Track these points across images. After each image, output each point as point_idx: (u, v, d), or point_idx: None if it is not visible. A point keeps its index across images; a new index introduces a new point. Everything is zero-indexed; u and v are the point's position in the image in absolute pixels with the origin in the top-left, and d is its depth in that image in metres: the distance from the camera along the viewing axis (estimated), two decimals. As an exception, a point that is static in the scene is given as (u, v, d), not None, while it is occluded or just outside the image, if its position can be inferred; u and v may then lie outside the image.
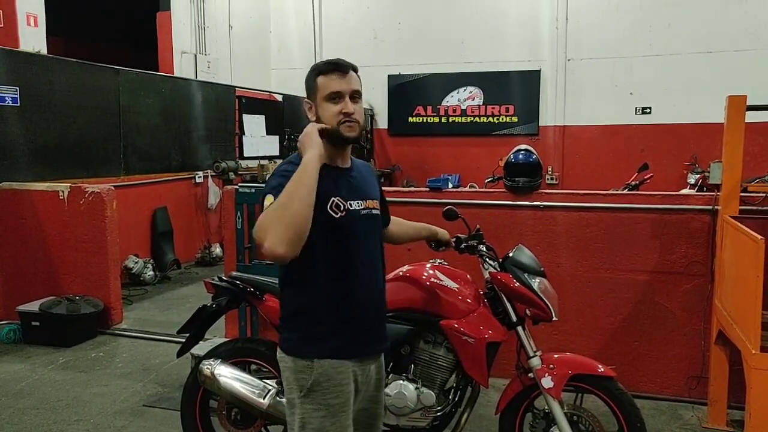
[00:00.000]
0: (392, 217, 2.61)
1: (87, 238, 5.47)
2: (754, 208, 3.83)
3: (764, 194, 3.87)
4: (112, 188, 5.59)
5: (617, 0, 9.96)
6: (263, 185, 4.59)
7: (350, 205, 2.06)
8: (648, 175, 6.10)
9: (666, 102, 9.81)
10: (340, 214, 2.02)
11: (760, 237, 2.76)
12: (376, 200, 2.20)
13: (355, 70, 2.09)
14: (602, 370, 2.84)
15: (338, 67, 2.04)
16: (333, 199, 2.01)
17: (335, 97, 2.03)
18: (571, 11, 10.13)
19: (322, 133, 2.00)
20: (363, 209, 2.10)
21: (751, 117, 3.52)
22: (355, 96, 2.05)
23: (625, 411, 2.82)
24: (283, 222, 1.79)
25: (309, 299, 2.04)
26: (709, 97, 9.13)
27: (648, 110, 9.95)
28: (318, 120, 2.05)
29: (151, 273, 7.12)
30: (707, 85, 9.36)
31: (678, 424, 3.79)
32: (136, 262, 6.99)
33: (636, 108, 9.99)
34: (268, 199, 1.89)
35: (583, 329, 4.19)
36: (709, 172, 8.04)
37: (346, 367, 2.05)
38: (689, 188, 8.57)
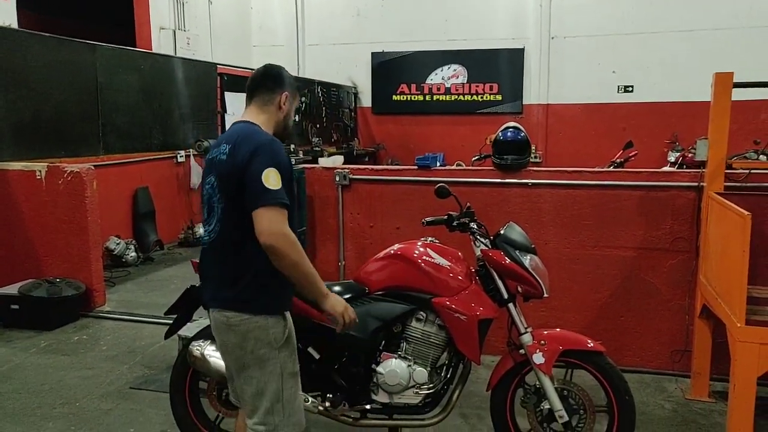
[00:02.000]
0: None
1: (67, 219, 5.36)
2: (738, 184, 3.86)
3: (748, 171, 3.91)
4: (92, 168, 5.48)
5: (600, -23, 9.94)
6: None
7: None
8: (633, 153, 6.14)
9: (648, 80, 9.86)
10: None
11: (747, 213, 2.78)
12: None
13: None
14: (592, 345, 2.86)
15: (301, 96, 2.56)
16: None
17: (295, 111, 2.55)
18: (555, -12, 10.09)
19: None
20: None
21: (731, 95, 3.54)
22: None
23: (613, 385, 2.86)
24: (301, 271, 2.20)
25: (268, 261, 2.20)
26: (690, 76, 9.25)
27: (630, 89, 10.00)
28: (287, 116, 2.44)
29: (134, 254, 7.02)
30: (688, 64, 9.43)
31: (662, 396, 3.85)
32: (118, 243, 6.88)
33: (618, 86, 10.04)
34: (275, 173, 2.14)
35: (571, 305, 4.23)
36: (692, 150, 8.13)
37: (289, 316, 2.39)
38: (669, 166, 8.64)
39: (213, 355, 2.90)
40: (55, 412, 3.67)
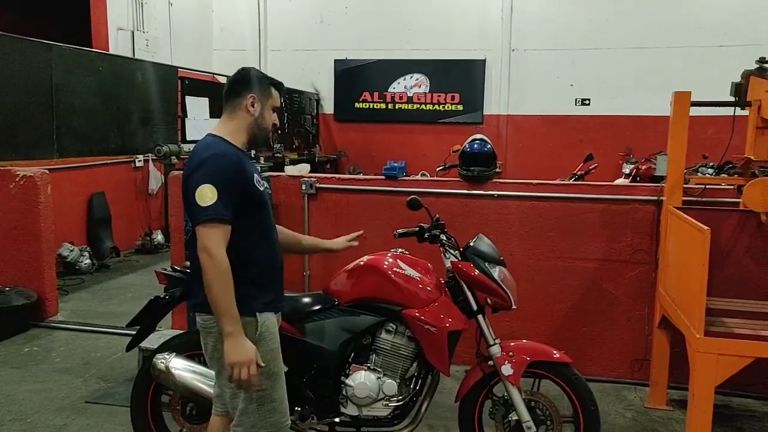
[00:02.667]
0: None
1: (18, 225, 5.16)
2: (695, 198, 4.00)
3: (704, 186, 4.05)
4: (47, 172, 5.29)
5: (558, -7, 10.18)
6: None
7: (263, 183, 2.44)
8: (593, 166, 6.29)
9: (604, 94, 10.13)
10: (261, 188, 2.39)
11: (706, 228, 2.87)
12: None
13: None
14: (558, 356, 2.91)
15: (281, 89, 2.53)
16: (254, 176, 2.37)
17: (275, 110, 2.48)
18: (516, 2, 10.27)
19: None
20: (265, 187, 2.49)
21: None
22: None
23: (579, 395, 2.91)
24: (211, 293, 2.19)
25: (245, 262, 2.28)
26: (643, 91, 9.56)
27: (587, 102, 10.25)
28: (260, 118, 2.41)
29: (88, 261, 6.80)
30: (641, 79, 9.73)
31: (622, 405, 3.94)
32: (72, 250, 6.66)
33: (576, 99, 10.27)
34: (210, 189, 2.17)
35: (536, 315, 4.29)
36: (646, 162, 8.39)
37: (275, 319, 2.43)
38: (624, 178, 8.89)
39: (177, 368, 2.84)
40: (5, 429, 3.50)
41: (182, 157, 7.52)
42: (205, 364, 2.99)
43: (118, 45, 8.51)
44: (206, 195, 2.16)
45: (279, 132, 9.25)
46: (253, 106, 2.38)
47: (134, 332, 3.03)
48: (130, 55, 8.35)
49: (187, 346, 3.02)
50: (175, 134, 7.71)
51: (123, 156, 7.60)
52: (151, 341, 3.41)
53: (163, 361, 2.82)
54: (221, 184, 2.18)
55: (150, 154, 7.80)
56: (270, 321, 2.38)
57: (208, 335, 2.36)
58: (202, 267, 2.17)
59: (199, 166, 2.22)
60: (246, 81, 2.40)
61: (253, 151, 8.24)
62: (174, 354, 2.89)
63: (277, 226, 2.61)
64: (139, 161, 7.88)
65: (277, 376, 2.40)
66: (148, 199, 8.15)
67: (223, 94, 2.43)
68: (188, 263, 3.15)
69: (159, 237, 7.91)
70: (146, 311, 2.97)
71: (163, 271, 3.05)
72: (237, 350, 2.17)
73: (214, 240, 2.16)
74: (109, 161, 7.41)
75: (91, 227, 7.20)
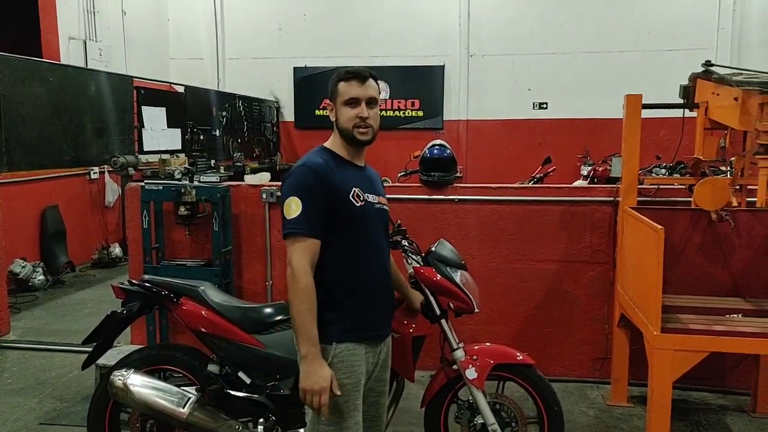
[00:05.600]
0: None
1: (-34, 241, 4.97)
2: (649, 198, 4.10)
3: (657, 186, 4.15)
4: (-4, 186, 5.11)
5: (514, -1, 10.36)
6: (171, 181, 4.39)
7: (367, 197, 2.28)
8: (551, 168, 6.40)
9: (561, 98, 10.33)
10: (360, 203, 2.24)
11: (660, 227, 2.95)
12: (385, 198, 2.44)
13: (375, 78, 2.32)
14: (521, 358, 2.94)
15: (357, 75, 2.27)
16: (354, 189, 2.24)
17: (353, 102, 2.26)
18: (473, 8, 10.41)
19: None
20: (376, 203, 2.34)
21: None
22: (371, 102, 2.28)
23: (543, 396, 2.94)
24: (293, 311, 2.13)
25: (326, 284, 2.17)
26: (599, 94, 9.79)
27: (545, 105, 10.45)
28: (337, 120, 2.29)
29: (42, 277, 6.60)
30: (596, 83, 9.97)
31: (585, 404, 4.01)
32: (24, 267, 6.45)
33: (534, 103, 10.46)
34: (295, 201, 2.12)
35: (498, 318, 4.33)
36: (603, 164, 8.58)
37: (360, 350, 2.23)
38: (582, 179, 9.08)
39: (136, 384, 2.76)
40: (-45, 454, 3.37)
41: (140, 168, 7.38)
42: (165, 380, 2.93)
43: (69, 55, 8.30)
44: (291, 207, 2.13)
45: (244, 139, 9.14)
46: (331, 110, 2.34)
47: (90, 349, 2.94)
48: (82, 65, 8.15)
49: (147, 361, 2.94)
50: (132, 145, 7.55)
51: (77, 168, 7.41)
52: (109, 357, 3.32)
53: (120, 377, 2.74)
54: (306, 196, 2.13)
55: (106, 166, 7.62)
56: (349, 352, 2.20)
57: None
58: (287, 282, 2.12)
59: (289, 176, 2.21)
60: (329, 91, 2.35)
61: (213, 161, 8.14)
62: (132, 370, 2.81)
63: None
64: (94, 173, 7.69)
65: (343, 414, 2.19)
66: (104, 211, 7.95)
67: None
68: (146, 277, 3.09)
69: (117, 250, 7.72)
70: (103, 327, 2.89)
71: (120, 286, 2.97)
72: (310, 375, 2.08)
73: (297, 255, 2.10)
74: (62, 174, 7.21)
75: (45, 242, 6.98)
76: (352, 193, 2.22)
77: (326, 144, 2.36)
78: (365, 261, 2.27)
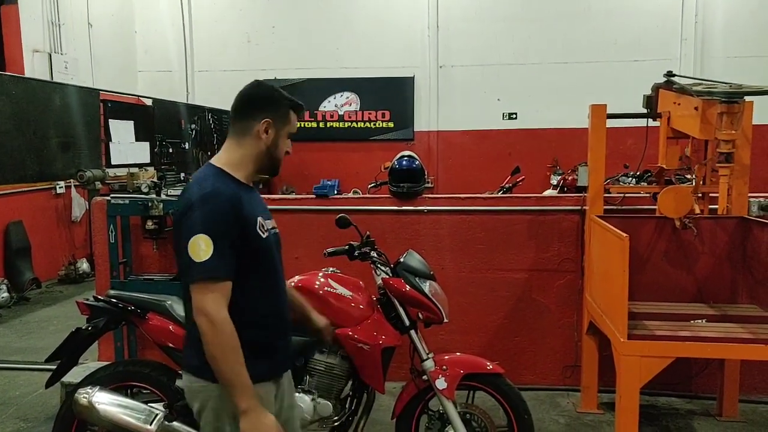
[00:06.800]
0: None
1: (-75, 259, 4.82)
2: (615, 207, 4.17)
3: (623, 195, 4.23)
4: (-44, 202, 4.98)
5: (482, 10, 10.50)
6: (137, 195, 4.33)
7: (267, 224, 2.07)
8: (520, 178, 6.47)
9: (530, 108, 10.49)
10: (265, 233, 2.03)
11: (625, 235, 3.00)
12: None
13: None
14: (491, 367, 2.96)
15: (303, 110, 2.19)
16: (258, 219, 2.01)
17: (290, 136, 2.13)
18: (442, 19, 10.53)
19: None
20: (272, 228, 2.13)
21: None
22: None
23: (513, 405, 2.96)
24: (216, 367, 1.88)
25: (241, 323, 1.91)
26: (567, 104, 9.94)
27: (514, 116, 10.59)
28: (272, 146, 2.06)
29: (6, 294, 6.43)
30: (564, 93, 10.14)
31: (556, 412, 4.04)
32: (-14, 284, 6.28)
33: (503, 113, 10.60)
34: (205, 240, 1.85)
35: (469, 328, 4.35)
36: (572, 173, 8.70)
37: (270, 387, 2.07)
38: (552, 189, 9.21)
39: (102, 402, 2.70)
40: None
41: (107, 182, 7.27)
42: (133, 396, 2.87)
43: (34, 68, 8.17)
44: (200, 248, 1.84)
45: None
46: (266, 132, 2.02)
47: (55, 366, 2.87)
48: (47, 78, 8.02)
49: (114, 378, 2.88)
50: (99, 159, 7.45)
51: (42, 183, 7.27)
52: (75, 375, 3.24)
53: (85, 395, 2.67)
54: (217, 233, 1.86)
55: (72, 180, 7.49)
56: (264, 392, 2.01)
57: (194, 399, 2.04)
58: (202, 334, 1.85)
59: (191, 207, 1.89)
60: (260, 101, 2.04)
61: (182, 174, 8.05)
62: (98, 387, 2.75)
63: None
64: (60, 188, 7.55)
65: None
66: (71, 226, 7.80)
67: (231, 115, 2.08)
68: (112, 292, 3.04)
69: (84, 266, 7.58)
70: (67, 344, 2.83)
71: (85, 302, 2.92)
72: (258, 429, 1.86)
73: (213, 302, 1.85)
74: (26, 189, 7.07)
75: (8, 258, 6.82)
76: (257, 224, 2.00)
77: (220, 164, 2.03)
78: (275, 293, 2.10)
